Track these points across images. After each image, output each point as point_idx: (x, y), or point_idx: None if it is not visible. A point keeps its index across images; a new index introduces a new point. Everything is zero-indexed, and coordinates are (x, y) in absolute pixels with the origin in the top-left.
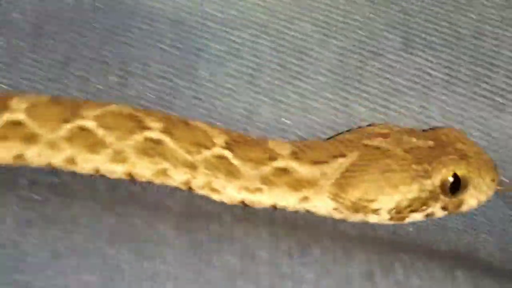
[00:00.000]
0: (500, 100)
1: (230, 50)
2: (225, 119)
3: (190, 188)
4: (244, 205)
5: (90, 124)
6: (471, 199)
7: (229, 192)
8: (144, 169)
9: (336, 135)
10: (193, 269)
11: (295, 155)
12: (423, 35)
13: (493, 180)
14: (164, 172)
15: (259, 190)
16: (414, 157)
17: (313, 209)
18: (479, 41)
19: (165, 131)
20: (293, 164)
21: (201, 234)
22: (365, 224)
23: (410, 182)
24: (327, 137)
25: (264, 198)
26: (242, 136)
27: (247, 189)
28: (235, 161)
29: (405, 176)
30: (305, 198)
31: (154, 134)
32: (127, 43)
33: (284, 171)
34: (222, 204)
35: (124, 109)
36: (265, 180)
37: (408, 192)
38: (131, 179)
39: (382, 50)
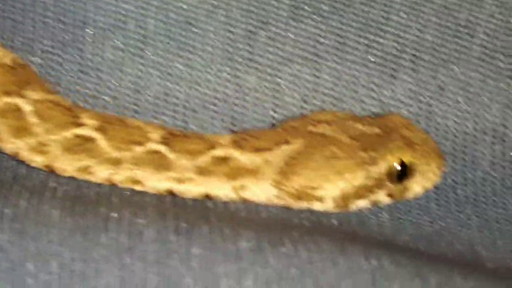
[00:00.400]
0: (392, 66)
1: (116, 22)
2: (113, 93)
3: (111, 183)
4: (171, 194)
5: (26, 107)
6: (417, 186)
7: (153, 183)
8: (66, 165)
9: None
10: (79, 247)
11: (236, 144)
12: (311, 2)
13: (439, 167)
14: (86, 169)
15: (189, 179)
16: (360, 144)
17: (251, 197)
18: (368, 7)
19: (99, 128)
20: (233, 152)
21: (89, 214)
22: (259, 206)
23: (355, 169)
24: (218, 109)
25: (194, 188)
26: (181, 130)
27: (176, 179)
28: (171, 155)
29: (350, 163)
30: (242, 187)
31: (86, 131)
32: (10, 18)
33: (223, 159)
34: (112, 186)
35: (64, 100)
36: (201, 170)
37: (354, 179)
38: (51, 171)
39: (270, 19)
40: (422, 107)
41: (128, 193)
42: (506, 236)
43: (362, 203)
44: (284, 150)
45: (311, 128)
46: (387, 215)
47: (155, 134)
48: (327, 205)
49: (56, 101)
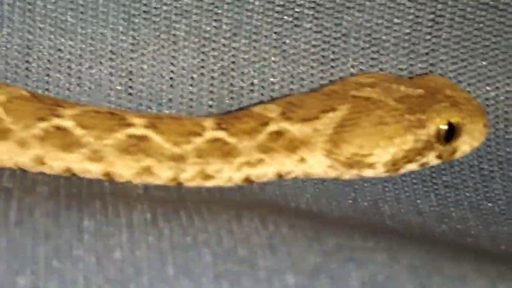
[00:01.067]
0: (296, 9)
1: None
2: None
3: (178, 184)
4: (249, 182)
5: (68, 123)
6: (464, 146)
7: (227, 173)
8: (125, 168)
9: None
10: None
11: (284, 116)
12: None
13: (484, 126)
14: (147, 170)
15: (260, 161)
16: (406, 107)
17: (309, 170)
18: None
19: (149, 126)
20: (285, 125)
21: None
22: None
23: (404, 133)
24: (114, 64)
25: (268, 169)
26: (227, 114)
27: (248, 163)
28: (231, 139)
29: (399, 127)
30: (302, 160)
31: (138, 131)
32: None
33: (278, 134)
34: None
35: (102, 109)
36: (263, 148)
37: (403, 143)
38: (109, 179)
39: None
40: (325, 55)
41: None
42: (408, 191)
43: (411, 167)
44: (332, 118)
45: (354, 92)
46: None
47: (208, 122)
48: (378, 171)
49: (95, 110)
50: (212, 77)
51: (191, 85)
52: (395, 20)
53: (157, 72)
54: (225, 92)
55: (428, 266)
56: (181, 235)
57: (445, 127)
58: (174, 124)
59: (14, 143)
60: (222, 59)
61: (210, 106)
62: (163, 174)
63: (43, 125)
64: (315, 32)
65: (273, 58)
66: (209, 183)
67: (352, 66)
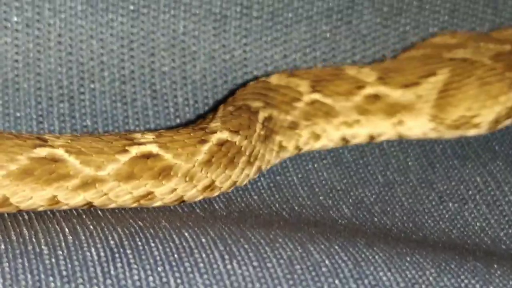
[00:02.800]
0: None
1: None
2: None
3: (300, 149)
4: (345, 141)
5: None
6: None
7: (330, 133)
8: (269, 155)
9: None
10: None
11: (382, 80)
12: None
13: None
14: (281, 146)
15: (357, 122)
16: (504, 64)
17: (407, 133)
18: None
19: (266, 105)
20: (382, 89)
21: None
22: None
23: (508, 91)
24: None
25: (362, 130)
26: (319, 73)
27: (346, 123)
28: (328, 100)
29: (502, 85)
30: (400, 122)
31: (264, 114)
32: None
33: (376, 97)
34: None
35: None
36: (361, 110)
37: (508, 101)
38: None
39: None
40: None
41: None
42: None
43: (507, 122)
44: (434, 83)
45: (449, 54)
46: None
47: (303, 86)
48: (482, 130)
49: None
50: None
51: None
52: None
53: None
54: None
55: None
56: None
57: None
58: (278, 96)
59: None
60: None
61: None
62: (290, 145)
63: None
64: None
65: (212, 46)
66: (318, 144)
67: None
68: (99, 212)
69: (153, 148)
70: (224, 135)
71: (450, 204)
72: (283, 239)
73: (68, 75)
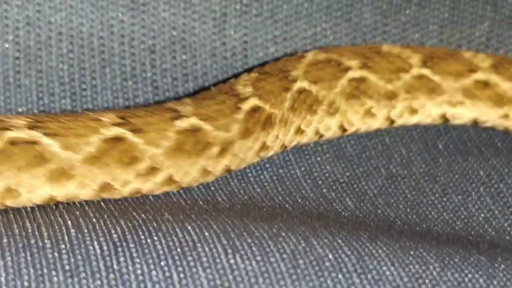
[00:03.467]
0: None
1: None
2: None
3: (392, 122)
4: (444, 120)
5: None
6: None
7: (428, 108)
8: (353, 116)
9: None
10: None
11: (495, 69)
12: None
13: None
14: (369, 112)
15: (461, 103)
16: None
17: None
18: None
19: (363, 66)
20: (494, 78)
21: None
22: None
23: None
24: None
25: (466, 112)
26: (434, 51)
27: (449, 102)
28: (436, 77)
29: None
30: (506, 116)
31: (355, 73)
32: None
33: (485, 84)
34: None
35: (319, 55)
36: (467, 93)
37: None
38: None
39: None
40: None
41: None
42: None
43: None
44: None
45: None
46: None
47: (414, 59)
48: None
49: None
50: None
51: None
52: None
53: None
54: None
55: None
56: None
57: None
58: (382, 62)
59: None
60: None
61: None
62: (380, 114)
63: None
64: None
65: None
66: (414, 119)
67: None
68: (102, 204)
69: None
70: (304, 84)
71: (454, 196)
72: (286, 233)
73: (70, 72)
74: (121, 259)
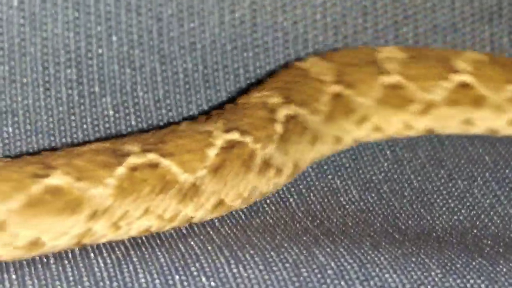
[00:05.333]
0: None
1: None
2: None
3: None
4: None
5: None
6: None
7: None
8: (450, 120)
9: None
10: None
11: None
12: None
13: None
14: (469, 121)
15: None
16: None
17: None
18: None
19: (473, 72)
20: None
21: None
22: None
23: None
24: None
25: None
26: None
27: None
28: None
29: None
30: None
31: (462, 77)
32: None
33: None
34: None
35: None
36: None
37: None
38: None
39: None
40: None
41: None
42: None
43: None
44: None
45: None
46: None
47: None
48: None
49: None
50: None
51: None
52: None
53: None
54: None
55: None
56: None
57: None
58: (494, 70)
59: None
60: None
61: None
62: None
63: None
64: None
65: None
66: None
67: None
68: None
69: None
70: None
71: (460, 182)
72: (288, 243)
73: (76, 40)
74: (125, 270)
